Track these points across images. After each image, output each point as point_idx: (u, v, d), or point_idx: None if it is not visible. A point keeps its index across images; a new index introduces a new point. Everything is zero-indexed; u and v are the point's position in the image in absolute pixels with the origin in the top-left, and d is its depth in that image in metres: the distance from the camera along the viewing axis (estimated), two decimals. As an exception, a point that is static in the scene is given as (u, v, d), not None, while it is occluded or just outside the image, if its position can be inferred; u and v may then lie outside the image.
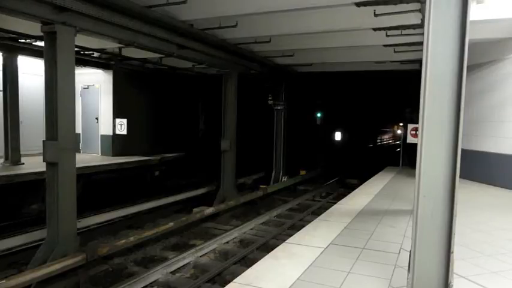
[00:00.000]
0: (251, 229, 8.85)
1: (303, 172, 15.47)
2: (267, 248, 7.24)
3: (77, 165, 6.26)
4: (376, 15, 6.47)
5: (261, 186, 12.12)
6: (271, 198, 12.32)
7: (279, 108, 14.22)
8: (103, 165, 10.28)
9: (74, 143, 6.10)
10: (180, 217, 8.56)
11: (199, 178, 13.90)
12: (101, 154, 12.38)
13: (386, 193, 9.05)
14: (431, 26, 2.82)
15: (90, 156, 11.84)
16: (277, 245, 5.31)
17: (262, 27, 8.15)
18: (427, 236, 2.93)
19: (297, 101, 17.05)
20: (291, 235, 5.82)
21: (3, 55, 9.37)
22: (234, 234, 8.30)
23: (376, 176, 12.25)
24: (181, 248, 7.61)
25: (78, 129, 12.23)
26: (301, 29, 7.98)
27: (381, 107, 27.56)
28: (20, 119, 9.77)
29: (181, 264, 6.55)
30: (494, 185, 9.88)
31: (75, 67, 6.10)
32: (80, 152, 12.49)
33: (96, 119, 12.57)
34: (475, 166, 10.31)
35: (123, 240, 6.76)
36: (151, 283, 5.88)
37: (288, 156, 14.66)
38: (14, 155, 9.52)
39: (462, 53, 2.76)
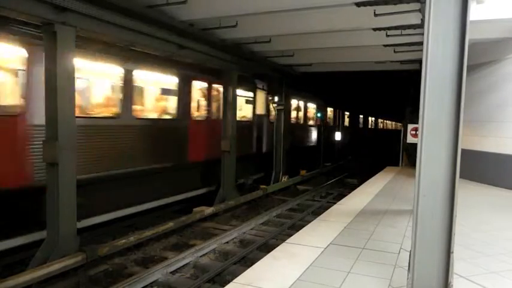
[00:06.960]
0: (251, 229, 8.84)
1: (303, 172, 15.45)
2: (267, 248, 7.23)
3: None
4: (376, 15, 6.47)
5: (261, 186, 12.12)
6: (271, 198, 12.31)
7: (279, 108, 14.21)
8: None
9: (74, 143, 6.09)
10: (180, 217, 8.56)
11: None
12: (101, 154, 12.35)
13: (386, 193, 9.05)
14: (431, 26, 2.82)
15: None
16: (277, 245, 5.31)
17: (262, 27, 8.15)
18: (427, 236, 2.94)
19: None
20: (290, 235, 5.83)
21: (3, 55, 9.36)
22: (234, 234, 8.29)
23: (376, 176, 12.26)
24: (181, 248, 7.60)
25: (78, 129, 12.19)
26: (301, 29, 7.97)
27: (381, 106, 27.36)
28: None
29: (181, 264, 6.53)
30: (494, 185, 9.88)
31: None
32: (80, 152, 12.45)
33: (96, 119, 12.54)
34: (475, 166, 10.31)
35: (123, 240, 6.76)
36: (151, 283, 5.86)
37: (288, 156, 14.64)
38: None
39: (462, 53, 2.77)
